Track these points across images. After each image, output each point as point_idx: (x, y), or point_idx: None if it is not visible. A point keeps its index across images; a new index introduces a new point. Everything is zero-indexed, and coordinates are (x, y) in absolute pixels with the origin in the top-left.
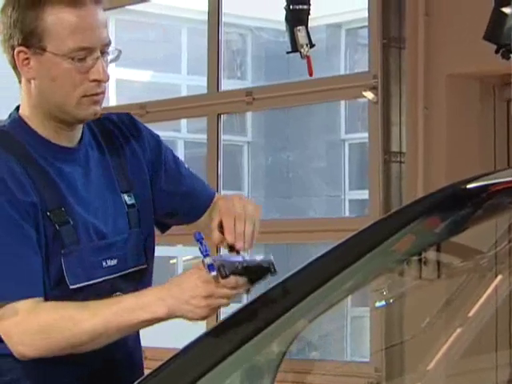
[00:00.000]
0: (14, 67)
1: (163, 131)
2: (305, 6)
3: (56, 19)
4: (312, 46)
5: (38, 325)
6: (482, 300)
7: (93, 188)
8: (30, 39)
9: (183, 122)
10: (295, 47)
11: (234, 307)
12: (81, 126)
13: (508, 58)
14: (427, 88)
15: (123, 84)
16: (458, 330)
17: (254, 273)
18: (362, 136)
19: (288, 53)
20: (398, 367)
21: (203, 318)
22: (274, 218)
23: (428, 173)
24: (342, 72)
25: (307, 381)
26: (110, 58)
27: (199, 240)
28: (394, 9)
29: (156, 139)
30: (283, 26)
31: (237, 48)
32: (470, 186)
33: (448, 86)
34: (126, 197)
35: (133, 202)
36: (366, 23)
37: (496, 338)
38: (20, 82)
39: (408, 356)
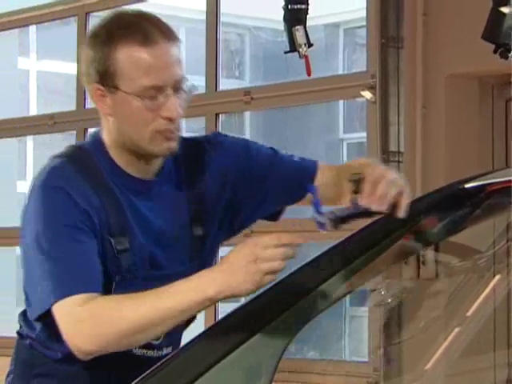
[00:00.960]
0: (95, 101)
1: None
2: (303, 6)
3: (128, 58)
4: (310, 45)
5: (90, 316)
6: (480, 300)
7: (161, 220)
8: (104, 78)
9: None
10: (293, 47)
11: (232, 306)
12: (159, 158)
13: (506, 58)
14: (425, 88)
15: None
16: (456, 330)
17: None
18: (361, 136)
19: (286, 52)
20: (397, 367)
21: (255, 288)
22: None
23: (426, 172)
24: (340, 72)
25: (305, 381)
26: (184, 93)
27: (313, 192)
28: (393, 8)
29: (242, 148)
30: (281, 26)
31: (235, 48)
32: (468, 185)
33: (446, 86)
34: (195, 228)
35: (200, 233)
36: (365, 23)
37: (494, 337)
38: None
39: (406, 356)
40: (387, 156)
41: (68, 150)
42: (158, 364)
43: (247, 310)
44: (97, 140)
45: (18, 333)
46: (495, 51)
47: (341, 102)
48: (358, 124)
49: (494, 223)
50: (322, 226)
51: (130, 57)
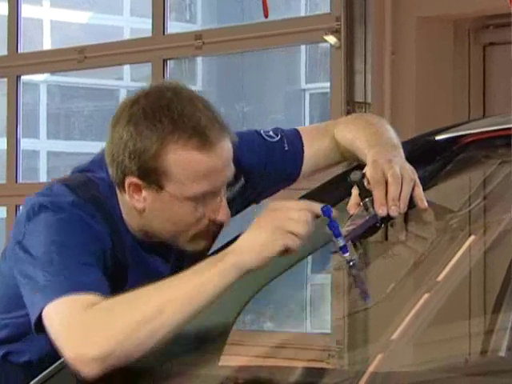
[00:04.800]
0: (119, 186)
1: (104, 79)
2: None
3: (181, 162)
4: None
5: (94, 317)
6: (452, 263)
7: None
8: (146, 175)
9: (126, 68)
10: None
11: None
12: None
13: None
14: (395, 32)
15: (59, 26)
16: (426, 296)
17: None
18: (324, 86)
19: None
20: (361, 337)
21: (279, 248)
22: None
23: (395, 125)
24: (301, 13)
25: (261, 354)
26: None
27: (328, 215)
28: None
29: (259, 156)
30: None
31: None
32: (439, 137)
33: (418, 30)
34: None
35: None
36: None
37: (469, 304)
38: (120, 193)
39: (371, 325)
40: (352, 107)
41: (83, 183)
42: None
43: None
44: (111, 189)
45: None
46: None
47: (302, 47)
48: (322, 72)
49: (469, 179)
50: (344, 249)
51: (184, 161)
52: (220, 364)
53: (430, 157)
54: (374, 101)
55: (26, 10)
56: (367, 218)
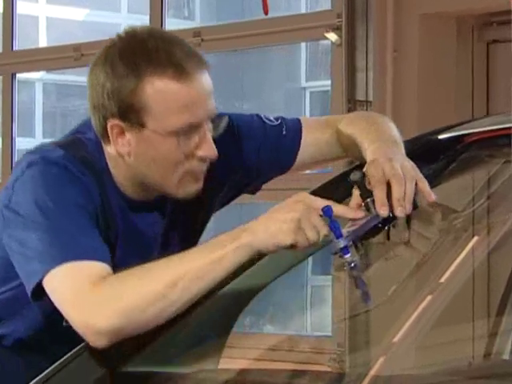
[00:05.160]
0: (103, 136)
1: None
2: None
3: (158, 94)
4: None
5: (104, 290)
6: (456, 265)
7: (155, 231)
8: (126, 114)
9: None
10: None
11: None
12: None
13: None
14: (397, 29)
15: (55, 23)
16: (429, 298)
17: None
18: (325, 84)
19: None
20: (362, 340)
21: (290, 240)
22: None
23: (397, 123)
24: (302, 10)
25: (260, 357)
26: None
27: (329, 215)
28: None
29: (256, 136)
30: None
31: None
32: (442, 136)
33: (420, 27)
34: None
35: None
36: None
37: (473, 306)
38: (106, 144)
39: (373, 328)
40: (354, 105)
41: (72, 141)
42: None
43: None
44: (99, 151)
45: None
46: None
47: (303, 45)
48: (322, 70)
49: (473, 179)
50: (345, 251)
51: (161, 92)
52: (219, 367)
53: (432, 156)
54: (375, 99)
55: (22, 7)
56: (369, 218)
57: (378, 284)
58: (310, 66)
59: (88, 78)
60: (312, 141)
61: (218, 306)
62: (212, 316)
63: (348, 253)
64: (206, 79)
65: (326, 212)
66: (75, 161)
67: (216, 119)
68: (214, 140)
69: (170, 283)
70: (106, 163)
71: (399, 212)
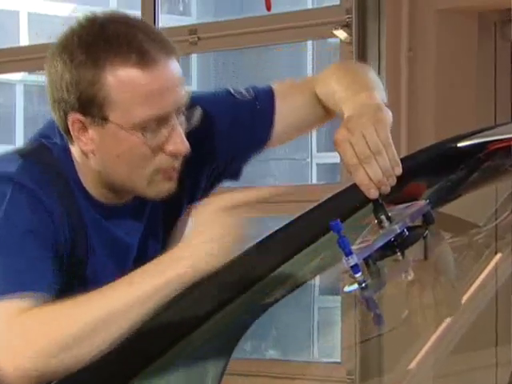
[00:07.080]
0: (66, 132)
1: None
2: None
3: (120, 83)
4: None
5: (28, 323)
6: (477, 284)
7: (132, 238)
8: (87, 107)
9: None
10: None
11: None
12: None
13: None
14: (412, 26)
15: (37, 19)
16: (448, 321)
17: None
18: None
19: None
20: (374, 367)
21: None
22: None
23: (413, 129)
24: (308, 6)
25: None
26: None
27: (338, 231)
28: None
29: (226, 119)
30: None
31: None
32: (463, 143)
33: (438, 24)
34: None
35: None
36: None
37: (496, 329)
38: (71, 144)
39: (386, 354)
40: None
41: (35, 148)
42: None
43: (189, 298)
44: (66, 152)
45: None
46: None
47: (309, 43)
48: None
49: (496, 190)
50: (356, 269)
51: (123, 82)
52: None
53: (451, 166)
54: (388, 102)
55: (0, 1)
56: (381, 234)
57: (392, 306)
58: (316, 66)
59: (46, 69)
60: (288, 108)
61: (217, 329)
62: (210, 341)
63: (359, 271)
64: (174, 67)
65: (335, 227)
66: (35, 174)
67: (188, 110)
68: (187, 133)
69: (100, 321)
70: (75, 169)
71: (383, 191)
